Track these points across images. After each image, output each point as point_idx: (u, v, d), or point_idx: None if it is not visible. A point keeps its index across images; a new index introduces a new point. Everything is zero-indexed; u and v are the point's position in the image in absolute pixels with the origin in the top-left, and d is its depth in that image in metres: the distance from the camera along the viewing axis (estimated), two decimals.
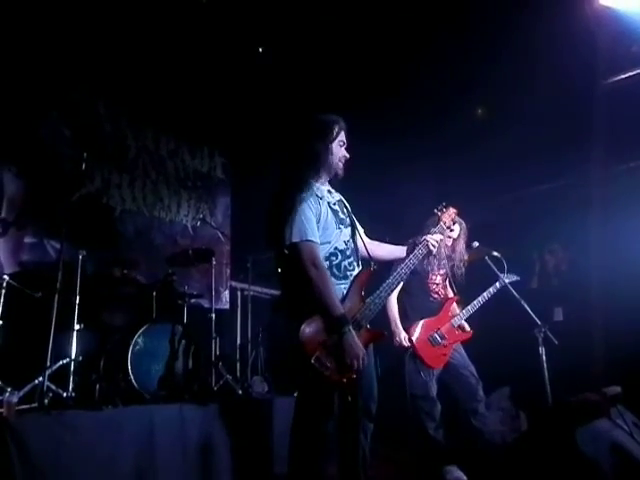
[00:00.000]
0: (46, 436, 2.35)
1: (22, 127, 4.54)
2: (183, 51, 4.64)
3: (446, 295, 3.40)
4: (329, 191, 2.24)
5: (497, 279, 3.32)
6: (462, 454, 3.16)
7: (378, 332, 2.18)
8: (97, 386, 3.09)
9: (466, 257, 3.42)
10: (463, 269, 3.40)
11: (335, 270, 2.11)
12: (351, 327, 1.98)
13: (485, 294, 3.34)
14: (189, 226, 5.93)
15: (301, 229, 2.04)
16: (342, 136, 2.24)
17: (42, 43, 4.38)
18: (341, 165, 2.24)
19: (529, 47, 4.15)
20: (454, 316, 3.32)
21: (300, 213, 2.05)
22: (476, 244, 3.38)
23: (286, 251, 2.06)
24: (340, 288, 2.11)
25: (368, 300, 2.13)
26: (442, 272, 3.41)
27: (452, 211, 2.52)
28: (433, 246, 2.35)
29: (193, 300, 4.43)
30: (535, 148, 4.76)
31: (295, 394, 4.28)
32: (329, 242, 2.13)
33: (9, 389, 2.89)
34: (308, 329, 1.99)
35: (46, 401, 2.86)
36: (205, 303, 4.86)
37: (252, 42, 4.70)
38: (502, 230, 4.70)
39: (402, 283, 2.57)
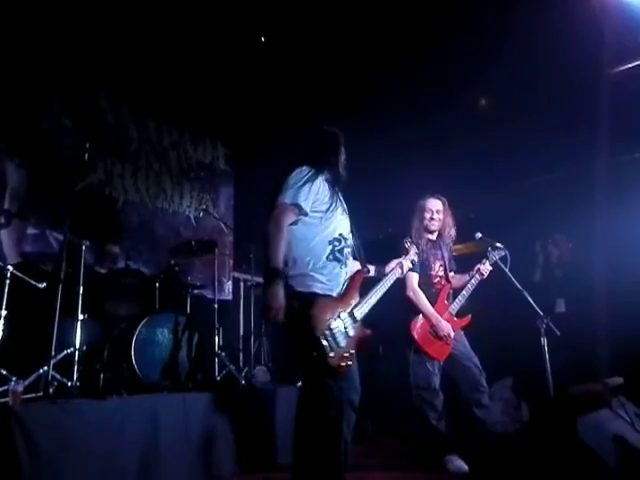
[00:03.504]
0: (51, 425, 2.37)
1: (24, 118, 4.54)
2: (185, 41, 4.61)
3: (443, 284, 3.40)
4: (340, 185, 2.39)
5: (487, 257, 3.32)
6: (464, 444, 3.17)
7: (368, 332, 2.29)
8: (101, 375, 3.11)
9: (454, 232, 3.45)
10: (452, 245, 3.50)
11: (338, 254, 2.23)
12: (280, 282, 2.05)
13: (477, 276, 3.32)
14: (192, 217, 5.94)
15: (297, 194, 2.15)
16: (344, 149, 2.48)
17: (43, 34, 4.36)
18: (343, 163, 2.42)
19: (534, 36, 4.11)
20: (450, 304, 3.32)
21: (307, 181, 2.18)
22: (479, 235, 3.38)
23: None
24: (342, 275, 2.25)
25: (361, 299, 2.30)
26: (441, 262, 3.41)
27: (414, 249, 2.97)
28: (403, 268, 2.75)
29: (196, 291, 4.45)
30: (539, 138, 4.73)
31: (298, 384, 4.33)
32: (334, 222, 2.24)
33: (14, 378, 2.92)
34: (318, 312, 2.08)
35: (51, 390, 2.89)
36: (208, 294, 4.88)
37: (255, 31, 4.66)
38: (505, 221, 4.69)
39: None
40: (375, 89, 4.86)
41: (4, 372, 3.04)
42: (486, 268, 3.33)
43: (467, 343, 3.31)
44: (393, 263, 2.77)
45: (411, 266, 2.86)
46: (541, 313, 3.11)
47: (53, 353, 2.97)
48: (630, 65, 4.39)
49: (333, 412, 2.09)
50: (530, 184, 5.17)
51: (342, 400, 2.12)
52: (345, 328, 2.13)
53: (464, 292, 3.32)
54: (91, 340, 3.50)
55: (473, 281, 3.32)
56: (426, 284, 3.34)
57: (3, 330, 3.15)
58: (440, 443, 3.14)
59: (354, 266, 2.41)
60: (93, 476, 2.43)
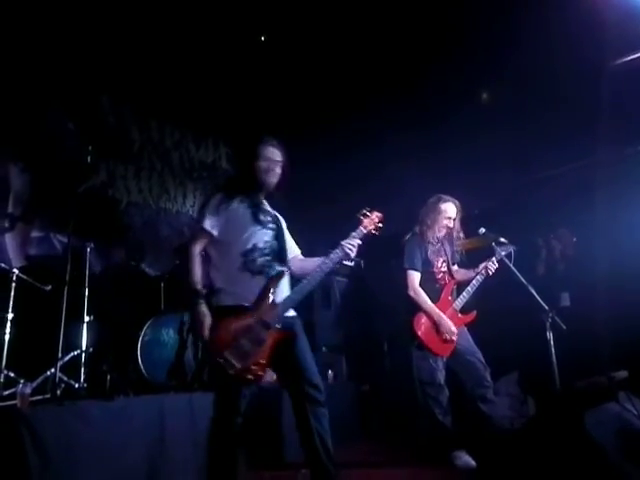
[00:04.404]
0: (59, 426, 2.38)
1: (26, 122, 4.55)
2: (186, 41, 4.61)
3: (447, 280, 3.40)
4: (260, 202, 2.46)
5: (494, 255, 3.30)
6: (471, 439, 3.17)
7: (287, 332, 2.29)
8: (108, 377, 3.13)
9: (462, 235, 3.43)
10: (461, 247, 3.45)
11: (250, 265, 2.29)
12: (202, 301, 2.26)
13: (483, 272, 3.31)
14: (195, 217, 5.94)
15: (204, 219, 2.36)
16: (267, 152, 2.46)
17: (43, 37, 4.36)
18: (268, 178, 2.45)
19: (535, 30, 4.09)
20: (455, 300, 3.32)
21: (215, 208, 2.37)
22: (482, 230, 3.37)
23: None
24: (257, 283, 2.27)
25: (279, 301, 2.28)
26: (444, 258, 3.41)
27: (376, 215, 2.53)
28: (350, 250, 2.40)
29: None
30: (541, 132, 4.71)
31: None
32: (247, 236, 2.32)
33: (22, 381, 2.94)
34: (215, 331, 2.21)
35: (58, 392, 2.91)
36: None
37: (255, 30, 4.66)
38: (508, 216, 4.68)
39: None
40: (377, 91, 4.85)
41: (12, 375, 3.07)
42: (492, 266, 3.32)
43: (470, 339, 3.31)
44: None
45: (360, 242, 2.45)
46: (546, 307, 3.11)
47: (60, 355, 2.99)
48: (633, 57, 4.36)
49: (218, 426, 2.25)
50: (533, 179, 5.15)
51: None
52: (251, 341, 2.18)
53: (469, 288, 3.31)
54: (97, 342, 3.51)
55: (479, 277, 3.31)
56: (429, 280, 3.34)
57: (10, 333, 3.17)
58: (447, 439, 3.14)
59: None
60: (101, 476, 2.44)
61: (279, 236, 2.43)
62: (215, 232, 2.35)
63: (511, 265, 3.26)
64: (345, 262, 2.44)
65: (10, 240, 4.28)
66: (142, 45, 4.58)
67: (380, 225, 2.53)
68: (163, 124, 5.79)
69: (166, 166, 5.77)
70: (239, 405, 2.24)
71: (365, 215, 2.50)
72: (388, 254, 3.67)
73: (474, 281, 3.31)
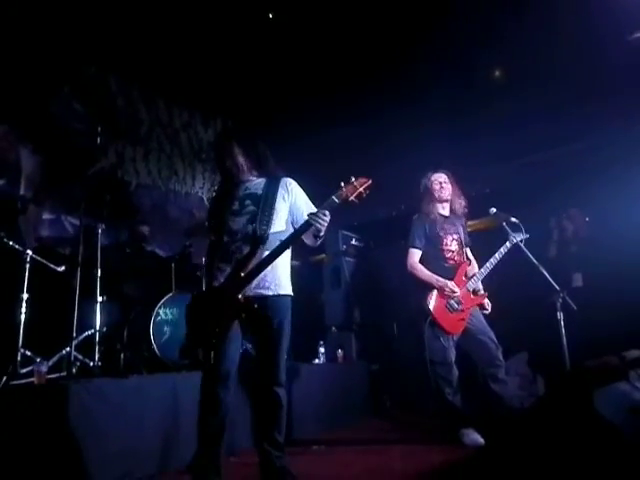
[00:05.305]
0: (75, 403, 2.42)
1: (35, 104, 4.55)
2: (193, 22, 4.55)
3: (461, 261, 3.40)
4: (238, 192, 2.48)
5: (507, 239, 3.30)
6: (480, 418, 3.20)
7: (250, 306, 2.30)
8: (122, 355, 3.18)
9: (464, 203, 3.46)
10: (471, 228, 3.51)
11: (224, 255, 2.42)
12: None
13: (497, 255, 3.31)
14: (205, 198, 5.96)
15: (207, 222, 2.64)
16: (229, 146, 2.52)
17: (52, 19, 4.33)
18: (233, 170, 2.50)
19: (550, 1, 3.98)
20: (468, 280, 3.32)
21: (208, 212, 2.70)
22: (493, 210, 3.35)
23: None
24: (225, 270, 2.37)
25: (243, 275, 2.30)
26: (455, 237, 3.40)
27: (360, 182, 2.24)
28: (317, 223, 2.22)
29: None
30: (553, 109, 4.63)
31: (315, 361, 4.39)
32: (222, 233, 2.44)
33: (38, 359, 3.00)
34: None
35: (74, 370, 2.97)
36: None
37: (263, 8, 4.58)
38: (519, 196, 4.63)
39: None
40: (387, 65, 4.77)
41: (29, 353, 3.13)
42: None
43: (483, 319, 3.31)
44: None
45: (328, 213, 2.22)
46: (557, 288, 3.10)
47: (74, 334, 3.04)
48: None
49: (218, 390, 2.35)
50: (544, 157, 5.07)
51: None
52: (210, 311, 2.31)
53: (482, 270, 3.32)
54: (111, 321, 3.57)
55: (492, 260, 3.32)
56: (437, 258, 3.34)
57: (26, 313, 3.22)
58: (455, 417, 3.17)
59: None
60: (115, 453, 2.49)
61: (258, 215, 2.36)
62: (213, 237, 2.52)
63: (522, 246, 3.26)
64: (316, 236, 2.33)
65: (22, 222, 4.33)
66: (150, 25, 4.53)
67: (364, 192, 2.24)
68: (171, 105, 5.77)
69: (175, 147, 5.77)
70: (211, 371, 2.32)
71: (347, 183, 2.25)
72: (398, 234, 3.67)
73: (488, 263, 3.32)
